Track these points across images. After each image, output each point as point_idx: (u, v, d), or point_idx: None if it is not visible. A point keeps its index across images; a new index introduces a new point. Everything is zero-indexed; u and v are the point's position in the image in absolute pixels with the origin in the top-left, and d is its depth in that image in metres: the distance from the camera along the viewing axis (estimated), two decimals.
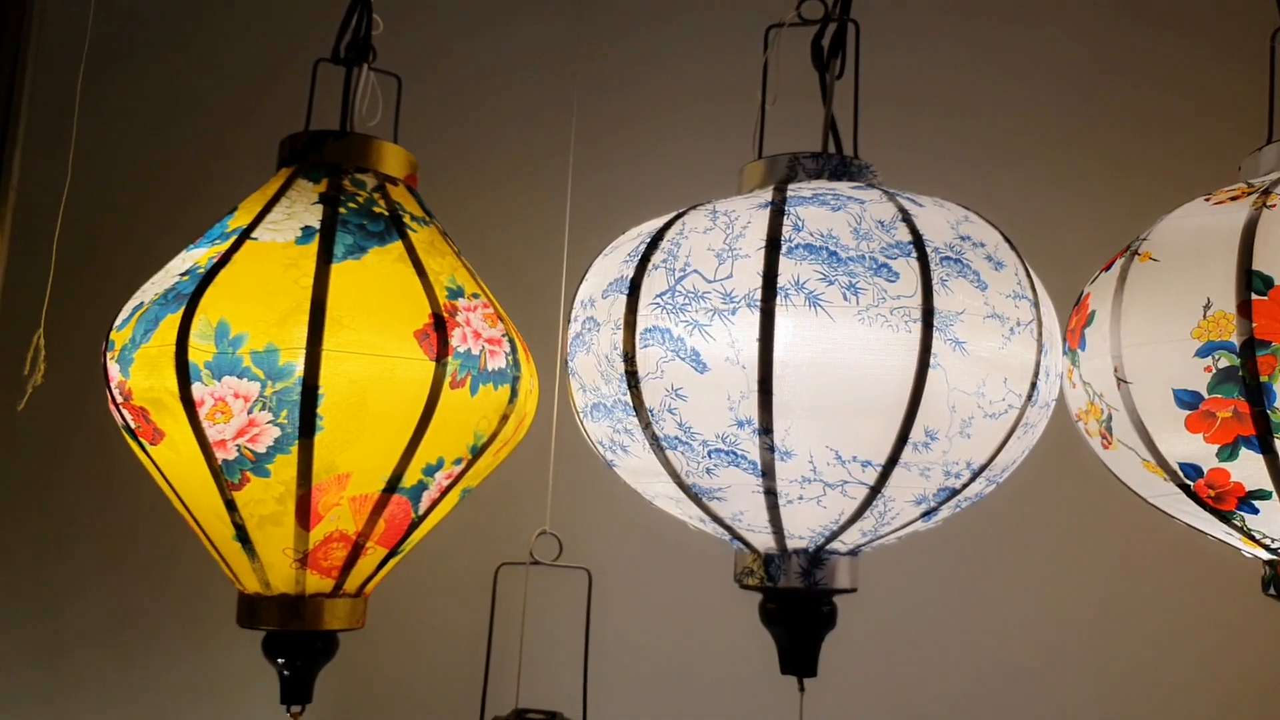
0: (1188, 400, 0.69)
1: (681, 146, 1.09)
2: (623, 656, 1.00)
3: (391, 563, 0.82)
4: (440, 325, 0.75)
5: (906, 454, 0.66)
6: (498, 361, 0.79)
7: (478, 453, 0.79)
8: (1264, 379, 0.65)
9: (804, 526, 0.71)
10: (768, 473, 0.67)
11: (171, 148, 1.32)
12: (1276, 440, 0.65)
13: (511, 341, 0.81)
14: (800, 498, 0.68)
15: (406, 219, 0.82)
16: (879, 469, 0.66)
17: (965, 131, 1.17)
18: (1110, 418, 0.75)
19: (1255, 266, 0.66)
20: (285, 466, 0.72)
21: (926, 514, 0.72)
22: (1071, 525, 1.11)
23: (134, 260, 0.85)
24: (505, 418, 0.80)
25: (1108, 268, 0.78)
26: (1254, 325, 0.65)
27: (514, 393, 0.80)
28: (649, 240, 0.71)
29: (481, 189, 1.16)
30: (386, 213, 0.81)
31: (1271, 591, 0.74)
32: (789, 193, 0.70)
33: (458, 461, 0.79)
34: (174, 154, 1.30)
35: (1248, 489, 0.68)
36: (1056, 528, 1.12)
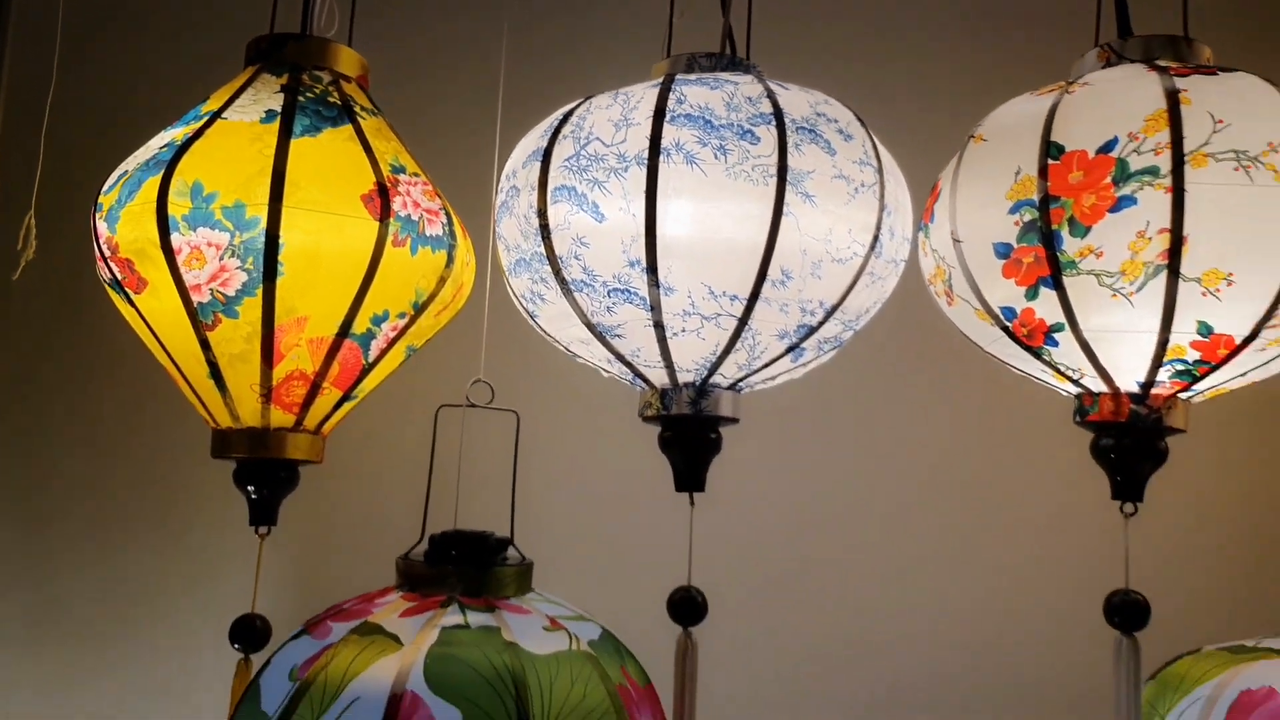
0: (1003, 251, 0.84)
1: (607, 46, 1.23)
2: (546, 484, 1.17)
3: (346, 406, 0.95)
4: (384, 192, 0.88)
5: (767, 290, 0.80)
6: (435, 229, 0.92)
7: (419, 310, 0.93)
8: (1055, 227, 0.80)
9: (689, 359, 0.85)
10: (655, 307, 0.81)
11: (149, 57, 1.43)
12: (1065, 278, 0.80)
13: (448, 215, 0.94)
14: (683, 330, 0.82)
15: (357, 109, 0.94)
16: (744, 302, 0.80)
17: (852, 36, 1.33)
18: (950, 276, 0.90)
19: (1052, 138, 0.81)
20: (252, 308, 0.85)
21: (791, 350, 0.86)
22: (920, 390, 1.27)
23: (112, 160, 0.96)
24: (443, 280, 0.93)
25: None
26: (1049, 184, 0.80)
27: (450, 259, 0.93)
28: (562, 117, 0.85)
29: (425, 90, 1.29)
30: (339, 102, 0.93)
31: (1078, 419, 0.90)
32: (678, 78, 0.83)
33: (401, 315, 0.92)
34: (151, 61, 1.42)
35: (1049, 324, 0.83)
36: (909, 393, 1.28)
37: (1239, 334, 0.78)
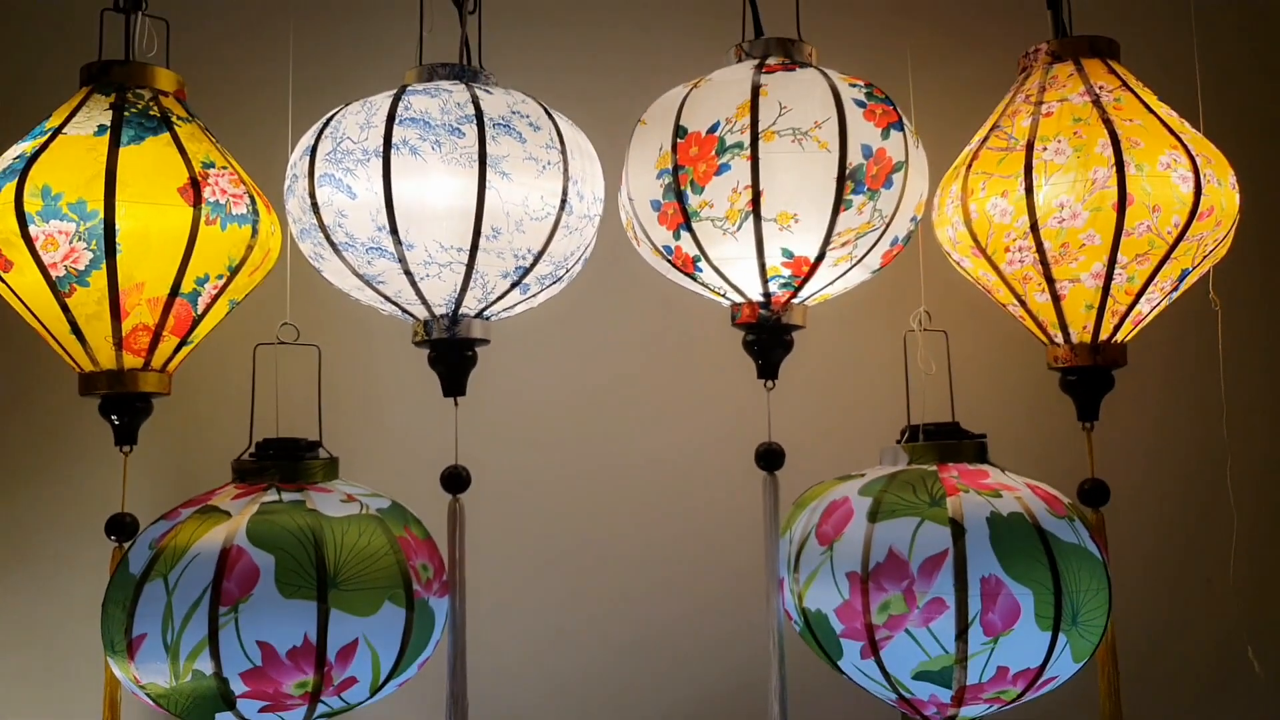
0: (656, 206, 1.15)
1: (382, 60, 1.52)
2: (347, 401, 1.49)
3: (184, 349, 1.23)
4: (195, 184, 1.15)
5: (483, 243, 1.10)
6: (240, 209, 1.19)
7: (234, 271, 1.20)
8: (683, 188, 1.12)
9: (438, 296, 1.15)
10: (402, 260, 1.11)
11: None
12: (694, 224, 1.12)
13: (252, 197, 1.22)
14: (428, 275, 1.12)
15: (174, 118, 1.21)
16: (467, 252, 1.10)
17: (580, 40, 1.64)
18: (634, 224, 1.22)
19: (681, 122, 1.13)
20: (99, 279, 1.12)
21: (515, 285, 1.17)
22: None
23: None
24: (250, 248, 1.21)
25: None
26: (677, 157, 1.12)
27: (255, 231, 1.21)
28: (324, 121, 1.13)
29: (232, 95, 1.55)
30: (159, 114, 1.20)
31: (733, 323, 1.22)
32: (409, 89, 1.12)
33: (220, 277, 1.20)
34: None
35: (692, 256, 1.16)
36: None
37: (811, 255, 1.12)
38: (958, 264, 1.31)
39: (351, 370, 1.54)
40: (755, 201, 1.09)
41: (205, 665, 1.02)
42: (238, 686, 1.03)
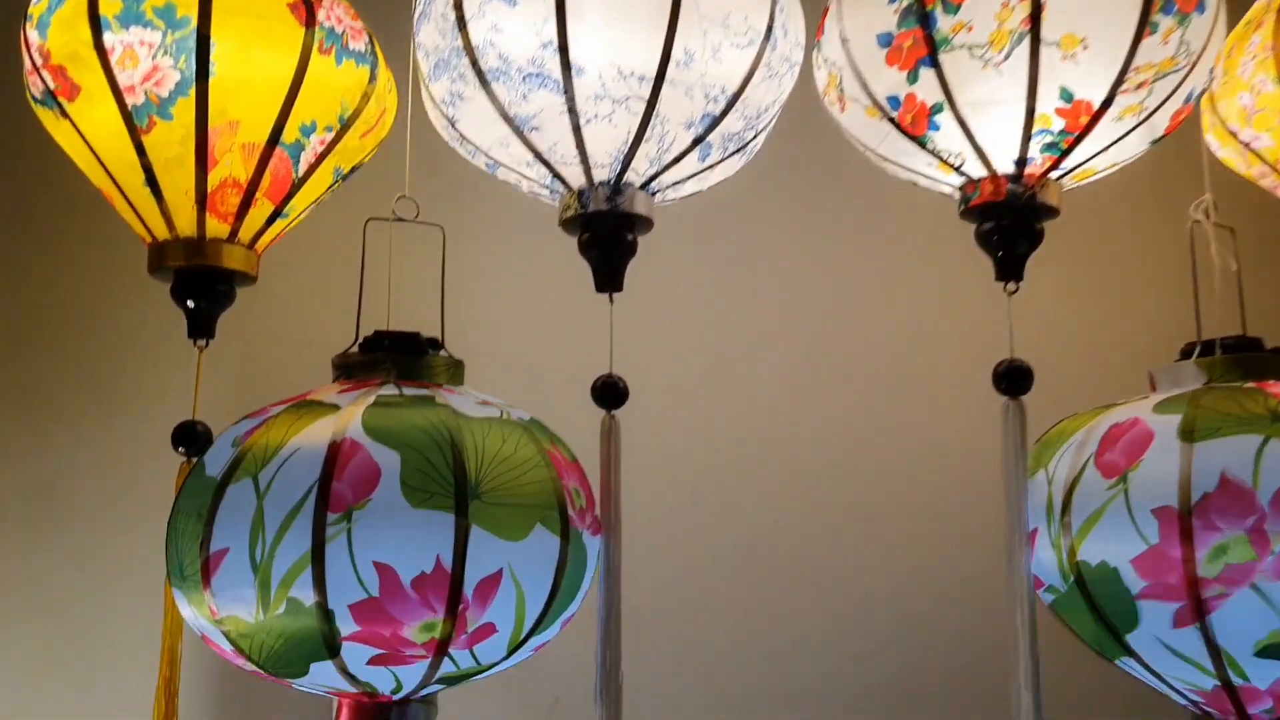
0: (885, 40, 0.91)
1: None
2: (472, 294, 1.24)
3: (279, 223, 1.00)
4: (309, 3, 0.93)
5: (672, 71, 0.86)
6: (359, 45, 0.97)
7: (345, 125, 0.97)
8: (929, 8, 0.88)
9: (603, 151, 0.91)
10: (569, 91, 0.87)
11: None
12: (941, 55, 0.88)
13: (370, 36, 0.99)
14: (595, 116, 0.88)
15: None
16: (651, 82, 0.86)
17: None
18: (841, 79, 0.98)
19: None
20: (185, 110, 0.89)
21: (698, 143, 0.93)
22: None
23: None
24: (366, 97, 0.98)
25: None
26: None
27: (373, 75, 0.98)
28: None
29: None
30: None
31: (962, 208, 0.98)
32: None
33: (329, 129, 0.96)
34: None
35: (929, 105, 0.91)
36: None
37: (1096, 98, 0.87)
38: (1246, 146, 1.05)
39: (479, 260, 1.30)
40: (1034, 19, 0.84)
41: (305, 593, 0.76)
42: (345, 625, 0.77)
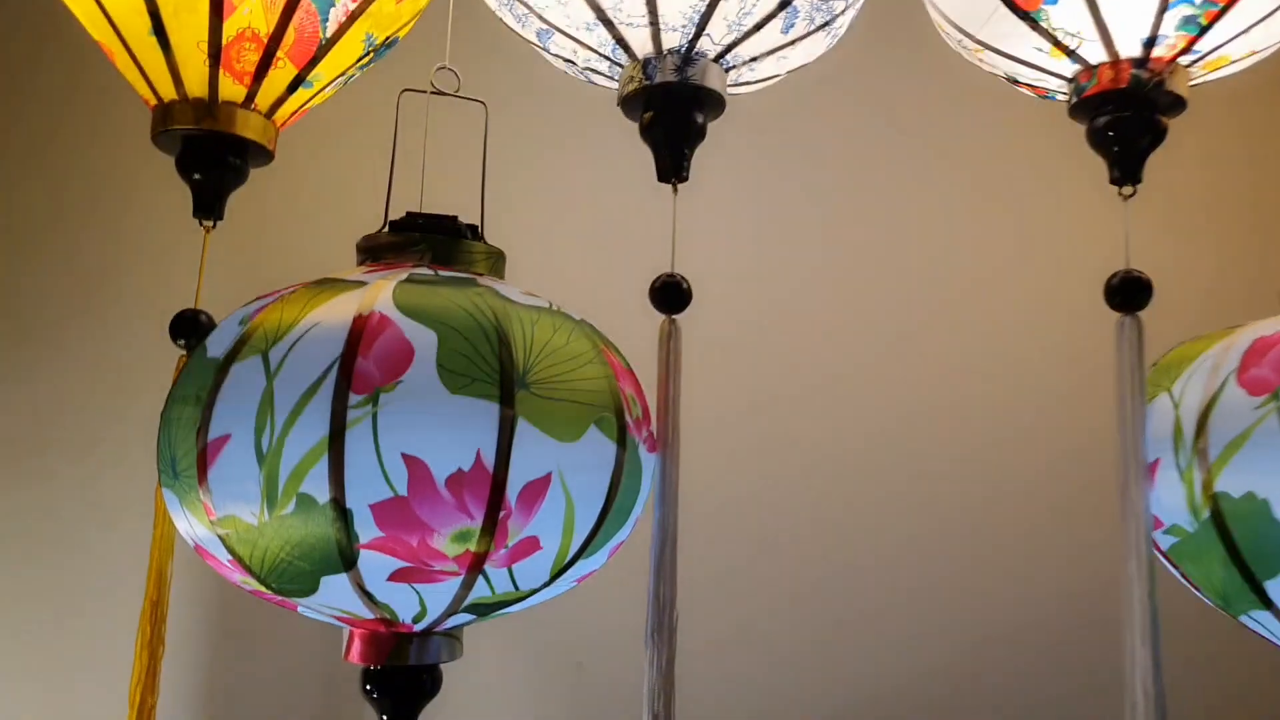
0: None
1: None
2: (516, 179, 1.12)
3: (301, 93, 0.88)
4: None
5: None
6: None
7: None
8: None
9: (675, 11, 0.80)
10: None
11: None
12: None
13: None
14: None
15: None
16: None
17: None
18: None
19: None
20: None
21: (784, 6, 0.81)
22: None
23: None
24: None
25: None
26: None
27: None
28: None
29: None
30: None
31: (1074, 101, 0.86)
32: None
33: None
34: None
35: None
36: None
37: None
38: None
39: (525, 142, 1.17)
40: None
41: (319, 488, 0.65)
42: (365, 529, 0.65)
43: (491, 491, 0.66)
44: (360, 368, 0.65)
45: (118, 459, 1.24)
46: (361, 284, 0.72)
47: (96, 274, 1.18)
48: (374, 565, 0.67)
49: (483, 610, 0.73)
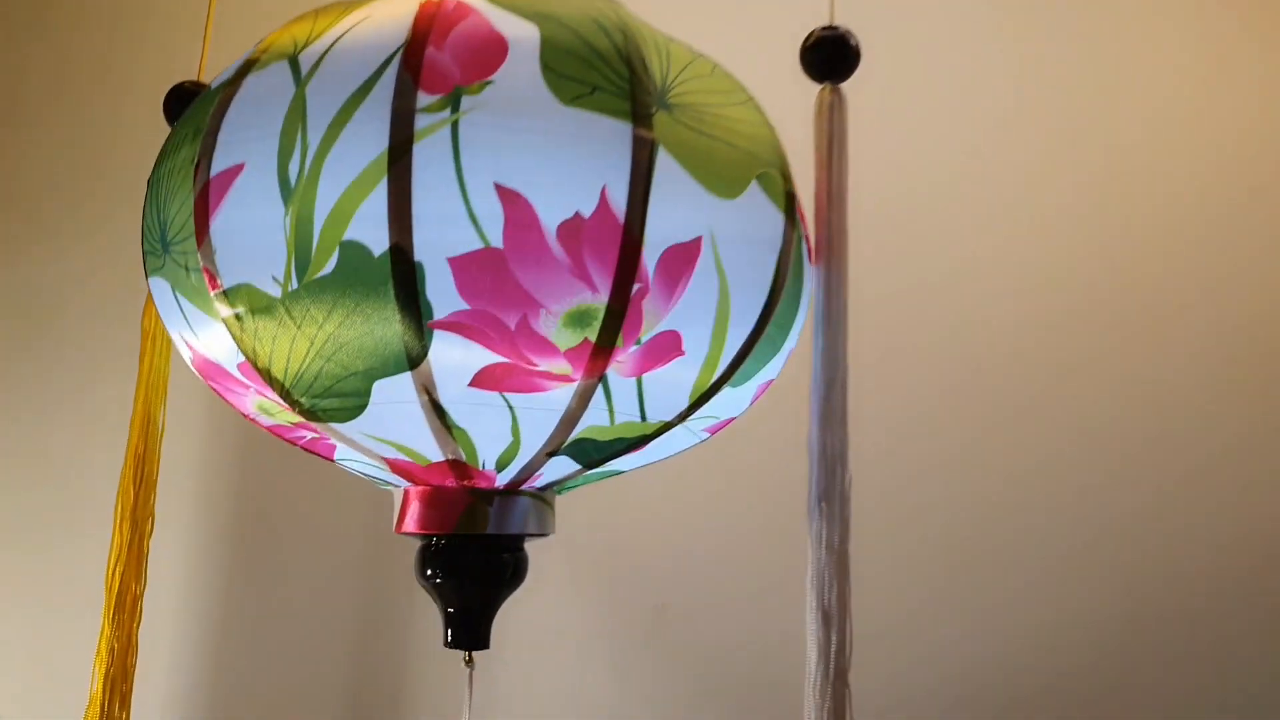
0: None
1: None
2: None
3: None
4: None
5: None
6: None
7: None
8: None
9: None
10: None
11: None
12: None
13: None
14: None
15: None
16: None
17: None
18: None
19: None
20: None
21: None
22: None
23: None
24: None
25: None
26: None
27: None
28: None
29: None
30: None
31: None
32: None
33: None
34: None
35: None
36: None
37: None
38: None
39: None
40: None
41: (373, 231, 0.43)
42: (440, 299, 0.44)
43: (623, 251, 0.45)
44: (432, 59, 0.44)
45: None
46: None
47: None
48: (453, 361, 0.45)
49: (592, 454, 0.52)
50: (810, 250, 0.57)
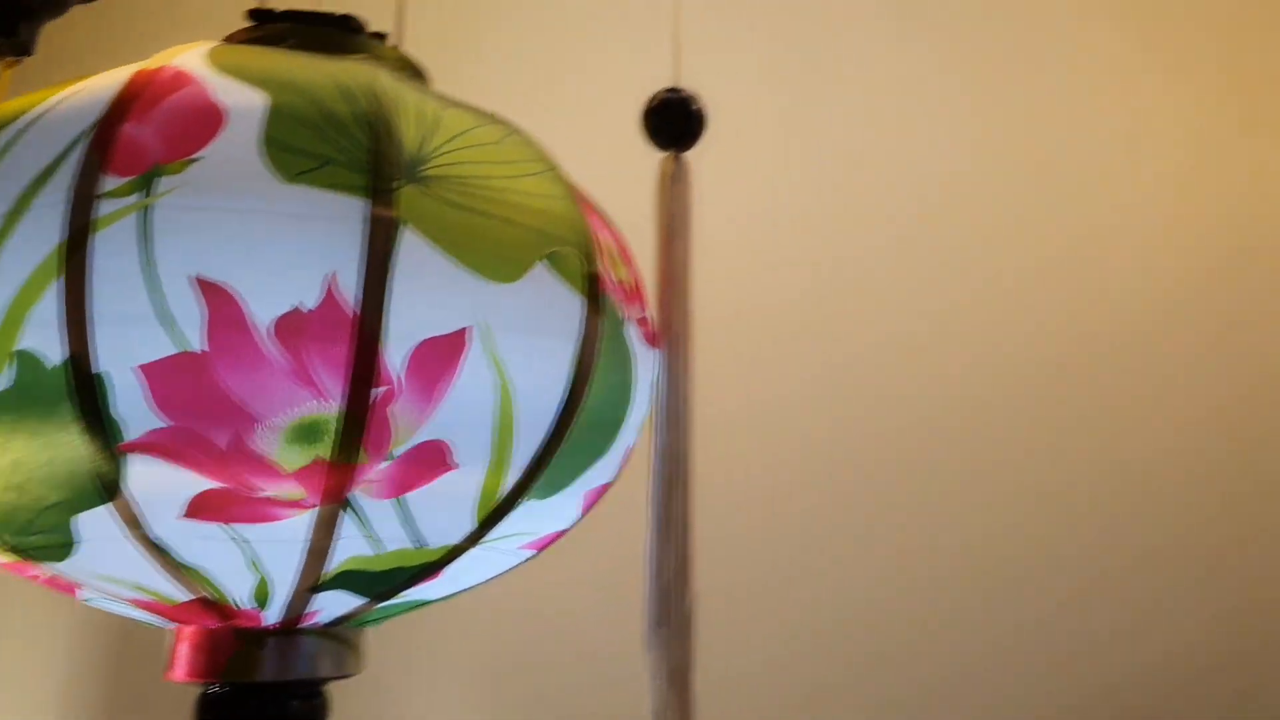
0: None
1: None
2: None
3: None
4: None
5: None
6: None
7: None
8: None
9: None
10: None
11: None
12: None
13: None
14: None
15: None
16: None
17: None
18: None
19: None
20: None
21: None
22: None
23: None
24: None
25: None
26: None
27: None
28: None
29: None
30: None
31: None
32: None
33: None
34: None
35: None
36: None
37: None
38: None
39: None
40: None
41: (46, 338, 0.37)
42: (132, 415, 0.37)
43: (357, 349, 0.38)
44: (129, 135, 0.38)
45: None
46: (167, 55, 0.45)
47: None
48: (156, 488, 0.38)
49: (374, 586, 0.44)
50: (645, 334, 0.49)
